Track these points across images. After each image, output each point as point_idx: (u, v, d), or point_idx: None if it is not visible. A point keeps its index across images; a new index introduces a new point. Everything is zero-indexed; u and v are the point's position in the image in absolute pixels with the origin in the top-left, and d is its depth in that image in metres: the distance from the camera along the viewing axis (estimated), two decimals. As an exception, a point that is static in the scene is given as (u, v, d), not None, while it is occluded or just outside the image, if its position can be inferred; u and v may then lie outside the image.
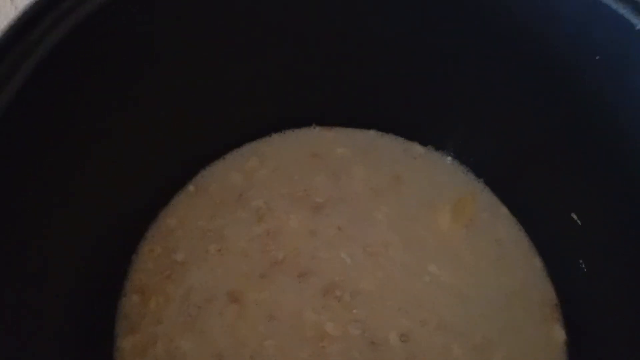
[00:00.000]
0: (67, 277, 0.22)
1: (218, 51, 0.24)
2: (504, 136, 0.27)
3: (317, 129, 0.31)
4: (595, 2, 0.19)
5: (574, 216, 0.25)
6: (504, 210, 0.28)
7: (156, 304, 0.25)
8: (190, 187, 0.28)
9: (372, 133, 0.31)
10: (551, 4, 0.19)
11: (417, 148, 0.30)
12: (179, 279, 0.25)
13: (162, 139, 0.25)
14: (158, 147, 0.25)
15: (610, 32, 0.19)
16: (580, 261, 0.25)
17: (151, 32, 0.21)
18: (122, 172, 0.23)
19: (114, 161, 0.23)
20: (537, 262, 0.27)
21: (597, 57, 0.20)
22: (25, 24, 0.17)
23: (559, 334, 0.25)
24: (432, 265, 0.27)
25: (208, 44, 0.23)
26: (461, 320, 0.26)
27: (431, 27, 0.23)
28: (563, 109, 0.23)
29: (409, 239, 0.28)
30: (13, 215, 0.17)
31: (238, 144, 0.30)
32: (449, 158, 0.30)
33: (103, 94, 0.20)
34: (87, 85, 0.19)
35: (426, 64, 0.25)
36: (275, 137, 0.30)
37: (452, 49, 0.24)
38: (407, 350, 0.25)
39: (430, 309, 0.26)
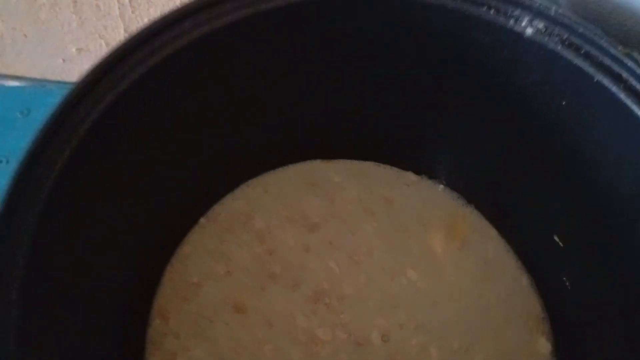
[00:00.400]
0: (102, 314, 0.24)
1: (235, 108, 0.26)
2: (491, 168, 0.29)
3: (318, 161, 0.33)
4: (557, 55, 0.21)
5: (556, 238, 0.27)
6: (493, 232, 0.30)
7: (175, 322, 0.27)
8: (202, 220, 0.31)
9: (369, 164, 0.33)
10: (519, 58, 0.22)
11: (410, 176, 0.33)
12: (194, 298, 0.28)
13: (184, 179, 0.28)
14: (181, 188, 0.28)
15: (570, 82, 0.21)
16: (564, 278, 0.27)
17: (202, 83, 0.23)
18: (149, 212, 0.26)
19: (144, 202, 0.25)
20: (524, 280, 0.29)
21: (564, 103, 0.22)
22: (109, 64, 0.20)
23: (545, 346, 0.28)
24: (411, 271, 0.30)
25: (226, 103, 0.26)
26: (438, 324, 0.28)
27: (422, 82, 0.26)
28: (540, 147, 0.25)
29: (393, 245, 0.30)
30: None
31: (247, 179, 0.32)
32: (441, 185, 0.32)
33: (148, 141, 0.23)
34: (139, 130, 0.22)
35: (418, 109, 0.28)
36: (280, 170, 0.33)
37: (443, 97, 0.27)
38: (387, 349, 0.28)
39: (407, 311, 0.29)
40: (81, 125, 0.20)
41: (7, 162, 0.42)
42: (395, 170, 0.33)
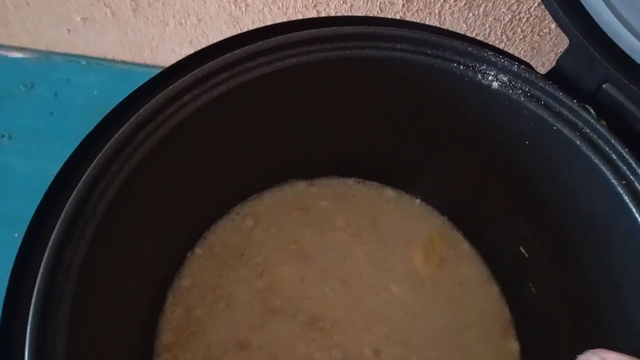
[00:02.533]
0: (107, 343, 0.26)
1: (225, 141, 0.28)
2: (461, 185, 0.32)
3: (302, 183, 0.35)
4: (520, 105, 0.24)
5: (522, 249, 0.31)
6: (466, 245, 0.33)
7: (183, 358, 0.30)
8: (198, 250, 0.32)
9: (350, 181, 0.36)
10: (487, 106, 0.25)
11: (389, 192, 0.35)
12: (200, 336, 0.30)
13: (176, 207, 0.29)
14: (174, 215, 0.29)
15: (532, 128, 0.24)
16: (530, 284, 0.31)
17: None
18: (148, 240, 0.28)
19: (146, 229, 0.27)
20: (494, 289, 0.32)
21: (527, 143, 0.25)
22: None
23: (514, 345, 0.31)
24: (394, 285, 0.32)
25: (234, 136, 0.28)
26: (416, 336, 0.31)
27: (402, 121, 0.28)
28: (507, 177, 0.28)
29: (381, 267, 0.33)
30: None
31: (234, 204, 0.34)
32: (418, 200, 0.35)
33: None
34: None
35: (398, 142, 0.30)
36: (266, 195, 0.35)
37: (422, 135, 0.29)
38: (379, 363, 0.31)
39: (389, 325, 0.31)
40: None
41: (10, 137, 0.42)
42: (374, 185, 0.35)
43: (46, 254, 0.20)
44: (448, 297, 0.32)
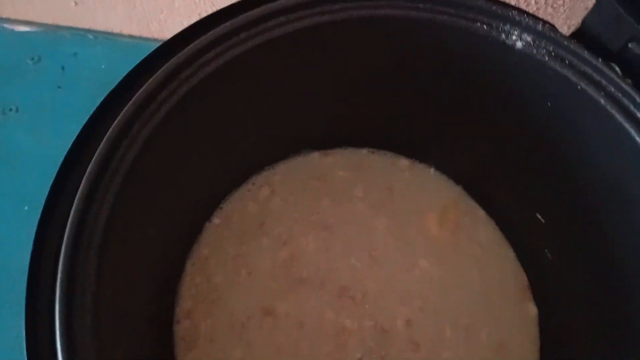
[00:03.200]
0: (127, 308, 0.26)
1: (240, 111, 0.28)
2: (476, 152, 0.32)
3: (316, 153, 0.35)
4: (545, 65, 0.24)
5: (539, 215, 0.31)
6: (481, 212, 0.34)
7: (205, 326, 0.30)
8: (216, 220, 0.32)
9: (364, 151, 0.36)
10: (511, 67, 0.24)
11: (403, 161, 0.35)
12: (222, 303, 0.30)
13: (196, 179, 0.29)
14: (191, 184, 0.29)
15: (556, 89, 0.24)
16: (546, 250, 0.31)
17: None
18: (166, 205, 0.27)
19: (163, 194, 0.27)
20: (510, 254, 0.33)
21: (549, 104, 0.25)
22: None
23: (532, 309, 0.32)
24: (423, 260, 0.33)
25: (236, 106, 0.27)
26: (448, 306, 0.31)
27: (420, 74, 0.28)
28: (526, 141, 0.28)
29: (403, 241, 0.33)
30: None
31: (249, 174, 0.34)
32: (432, 169, 0.35)
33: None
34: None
35: (416, 107, 0.30)
36: (280, 165, 0.35)
37: (441, 99, 0.29)
38: (410, 333, 0.31)
39: (423, 298, 0.32)
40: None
41: (17, 110, 0.42)
42: (389, 155, 0.35)
43: (72, 212, 0.20)
44: (468, 257, 0.32)
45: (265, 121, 0.31)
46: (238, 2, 0.26)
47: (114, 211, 0.21)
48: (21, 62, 0.44)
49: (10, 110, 0.42)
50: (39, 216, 0.40)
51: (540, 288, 0.32)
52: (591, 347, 0.29)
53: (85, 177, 0.21)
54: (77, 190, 0.20)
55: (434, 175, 0.35)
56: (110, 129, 0.20)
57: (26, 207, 0.39)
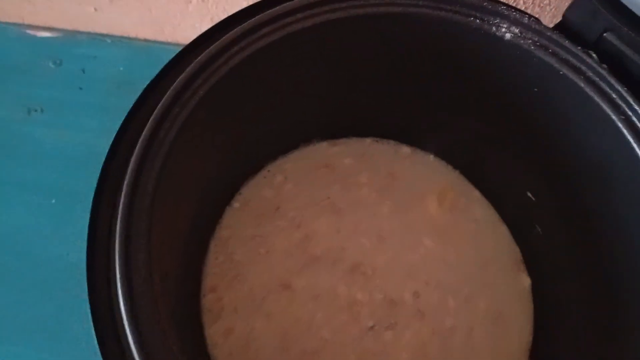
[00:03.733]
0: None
1: (273, 99, 0.31)
2: (473, 139, 0.35)
3: (324, 143, 0.38)
4: (531, 54, 0.27)
5: (529, 194, 0.34)
6: (476, 193, 0.37)
7: (229, 299, 0.32)
8: (235, 204, 0.35)
9: (368, 140, 0.39)
10: (500, 57, 0.28)
11: (404, 149, 0.38)
12: (242, 278, 0.33)
13: (219, 167, 0.32)
14: (214, 172, 0.32)
15: (541, 75, 0.27)
16: (537, 226, 0.34)
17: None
18: (195, 194, 0.30)
19: (190, 181, 0.29)
20: (504, 230, 0.36)
21: (535, 90, 0.28)
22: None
23: (526, 280, 0.35)
24: (427, 240, 0.36)
25: (269, 94, 0.31)
26: (451, 280, 0.34)
27: (419, 67, 0.31)
28: (516, 125, 0.31)
29: (408, 223, 0.36)
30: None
31: (265, 163, 0.37)
32: (431, 155, 0.38)
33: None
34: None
35: (415, 97, 0.33)
36: (293, 154, 0.38)
37: (437, 88, 0.32)
38: (417, 304, 0.34)
39: (428, 273, 0.35)
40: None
41: (42, 111, 0.45)
42: (391, 143, 0.38)
43: (125, 185, 0.22)
44: (466, 234, 0.35)
45: (278, 115, 0.34)
46: (249, 6, 0.29)
47: (155, 194, 0.23)
48: (44, 66, 0.47)
49: (35, 110, 0.45)
50: (65, 207, 0.42)
51: (533, 260, 0.35)
52: (580, 312, 0.32)
53: (130, 163, 0.23)
54: (127, 165, 0.22)
55: (433, 162, 0.38)
56: (154, 114, 0.23)
57: (53, 200, 0.42)
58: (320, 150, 0.38)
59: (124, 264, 0.20)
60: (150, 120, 0.23)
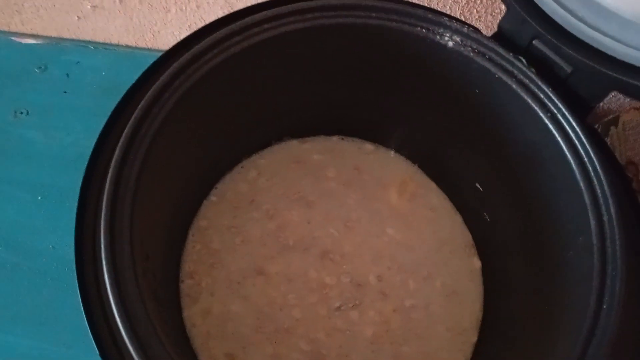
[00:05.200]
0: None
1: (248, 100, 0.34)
2: (428, 136, 0.38)
3: (295, 141, 0.41)
4: (470, 60, 0.30)
5: (478, 185, 0.38)
6: (433, 185, 0.40)
7: (206, 283, 0.35)
8: (213, 198, 0.38)
9: (335, 138, 0.42)
10: (444, 62, 0.31)
11: (368, 146, 0.42)
12: (219, 266, 0.36)
13: (197, 162, 0.35)
14: (194, 168, 0.35)
15: (480, 78, 0.31)
16: (485, 214, 0.38)
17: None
18: (174, 188, 0.33)
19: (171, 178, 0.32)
20: (458, 218, 0.39)
21: (477, 91, 0.32)
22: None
23: (477, 263, 0.38)
24: (389, 228, 0.39)
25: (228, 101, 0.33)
26: (412, 263, 0.38)
27: (376, 79, 0.35)
28: (463, 123, 0.35)
29: (372, 213, 0.39)
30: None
31: (239, 159, 0.40)
32: (392, 151, 0.42)
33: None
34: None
35: (374, 98, 0.37)
36: (265, 151, 0.41)
37: (393, 91, 0.36)
38: (381, 286, 0.37)
39: (391, 258, 0.38)
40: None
41: (28, 113, 0.48)
42: (356, 141, 0.42)
43: (109, 177, 0.25)
44: (424, 220, 0.39)
45: (250, 116, 0.37)
46: (225, 16, 0.33)
47: (138, 185, 0.26)
48: (29, 71, 0.49)
49: (21, 113, 0.48)
50: (52, 204, 0.45)
51: (483, 245, 0.38)
52: (524, 289, 0.36)
53: (114, 158, 0.26)
54: (108, 162, 0.25)
55: (394, 157, 0.41)
56: (134, 114, 0.26)
57: (39, 197, 0.44)
58: (291, 147, 0.41)
59: (109, 243, 0.23)
60: (131, 120, 0.26)
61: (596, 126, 0.46)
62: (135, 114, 0.26)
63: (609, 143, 0.45)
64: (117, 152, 0.25)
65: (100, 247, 0.23)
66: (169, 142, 0.29)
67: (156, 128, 0.27)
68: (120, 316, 0.22)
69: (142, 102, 0.27)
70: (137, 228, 0.25)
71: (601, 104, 0.47)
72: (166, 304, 0.32)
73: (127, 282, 0.23)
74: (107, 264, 0.23)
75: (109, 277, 0.22)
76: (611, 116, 0.46)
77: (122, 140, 0.25)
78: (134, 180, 0.25)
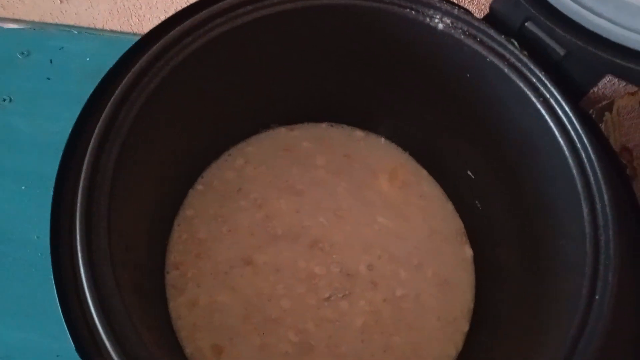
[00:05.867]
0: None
1: (235, 84, 0.33)
2: (419, 123, 0.38)
3: (283, 128, 0.40)
4: (461, 42, 0.29)
5: (469, 172, 0.37)
6: (424, 172, 0.39)
7: (192, 274, 0.35)
8: (199, 187, 0.37)
9: (324, 125, 0.41)
10: (434, 45, 0.30)
11: (358, 133, 0.41)
12: (205, 256, 0.35)
13: (181, 151, 0.34)
14: (179, 157, 0.34)
15: (471, 62, 0.30)
16: (476, 202, 0.37)
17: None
18: (157, 176, 0.32)
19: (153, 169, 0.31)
20: (449, 206, 0.39)
21: (468, 75, 0.31)
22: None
23: (468, 251, 0.38)
24: (380, 217, 0.38)
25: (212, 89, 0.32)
26: (403, 252, 0.37)
27: (366, 64, 0.34)
28: (454, 108, 0.34)
29: (362, 201, 0.39)
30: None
31: (226, 147, 0.39)
32: (383, 138, 0.41)
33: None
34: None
35: (364, 83, 0.36)
36: (253, 139, 0.40)
37: (383, 75, 0.35)
38: (371, 276, 0.37)
39: (382, 247, 0.37)
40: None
41: (11, 100, 0.47)
42: (346, 128, 0.41)
43: (82, 174, 0.24)
44: (415, 208, 0.38)
45: (236, 101, 0.36)
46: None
47: (116, 174, 0.25)
48: (12, 57, 0.48)
49: (4, 100, 0.46)
50: (36, 193, 0.44)
51: (474, 233, 0.38)
52: (515, 280, 0.35)
53: (90, 145, 0.25)
54: (86, 147, 0.24)
55: (384, 144, 0.41)
56: (111, 100, 0.25)
57: (23, 187, 0.43)
58: (279, 135, 0.40)
59: (85, 235, 0.22)
60: (107, 107, 0.25)
61: (590, 111, 0.45)
62: (112, 101, 0.25)
63: (603, 129, 0.45)
64: (93, 140, 0.24)
65: (76, 239, 0.22)
66: (149, 129, 0.28)
67: (134, 115, 0.26)
68: (96, 311, 0.21)
69: (119, 88, 0.26)
70: (116, 219, 0.25)
71: (595, 89, 0.46)
72: (151, 296, 0.32)
73: (104, 275, 0.22)
74: (82, 256, 0.22)
75: (85, 270, 0.22)
76: (605, 102, 0.46)
77: (98, 127, 0.24)
78: (111, 169, 0.24)
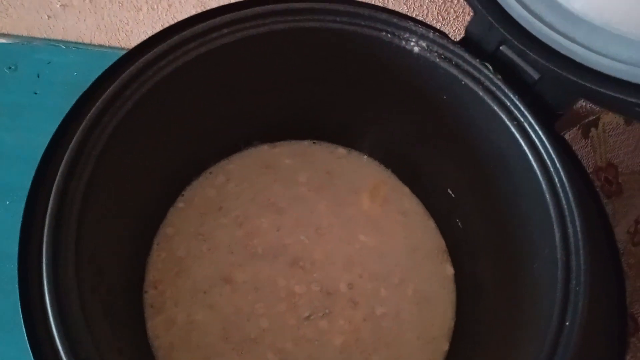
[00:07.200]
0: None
1: (214, 105, 0.34)
2: (401, 141, 0.38)
3: (265, 146, 0.41)
4: (436, 65, 0.30)
5: (450, 191, 0.37)
6: (406, 190, 0.40)
7: (171, 293, 0.35)
8: (179, 204, 0.38)
9: (306, 142, 0.41)
10: (411, 68, 0.30)
11: (340, 150, 0.41)
12: (185, 275, 0.35)
13: (161, 168, 0.34)
14: (158, 174, 0.34)
15: (447, 84, 0.30)
16: (457, 220, 0.37)
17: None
18: (135, 195, 0.32)
19: (131, 187, 0.32)
20: (431, 223, 0.39)
21: (444, 97, 0.31)
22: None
23: (449, 269, 0.38)
24: (361, 235, 0.38)
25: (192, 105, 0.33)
26: (384, 270, 0.37)
27: (345, 84, 0.34)
28: (433, 129, 0.34)
29: (344, 219, 0.39)
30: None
31: (208, 165, 0.39)
32: (365, 156, 0.41)
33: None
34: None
35: (345, 102, 0.36)
36: (235, 157, 0.40)
37: (363, 95, 0.35)
38: (352, 294, 0.37)
39: (363, 265, 0.37)
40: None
41: (-3, 114, 0.47)
42: (328, 145, 0.41)
43: (53, 192, 0.25)
44: (397, 225, 0.38)
45: (217, 120, 0.36)
46: (191, 17, 0.32)
47: (87, 197, 0.25)
48: (-1, 71, 0.48)
49: (-9, 114, 0.47)
50: (21, 208, 0.44)
51: (455, 251, 0.38)
52: (493, 300, 0.35)
53: (62, 165, 0.26)
54: (58, 169, 0.24)
55: (366, 161, 0.41)
56: (83, 123, 0.25)
57: (8, 202, 0.44)
58: (261, 152, 0.40)
59: (51, 261, 0.22)
60: (79, 129, 0.25)
61: (577, 127, 0.45)
62: (84, 124, 0.25)
63: (589, 145, 0.45)
64: (63, 164, 0.24)
65: (42, 268, 0.22)
66: (124, 150, 0.28)
67: (106, 138, 0.26)
68: (60, 339, 0.21)
69: (92, 110, 0.26)
70: (87, 243, 0.25)
71: (582, 104, 0.46)
72: (126, 317, 0.32)
73: (71, 305, 0.22)
74: (49, 288, 0.22)
75: (51, 301, 0.22)
76: (592, 117, 0.46)
77: (69, 150, 0.24)
78: (80, 194, 0.24)
